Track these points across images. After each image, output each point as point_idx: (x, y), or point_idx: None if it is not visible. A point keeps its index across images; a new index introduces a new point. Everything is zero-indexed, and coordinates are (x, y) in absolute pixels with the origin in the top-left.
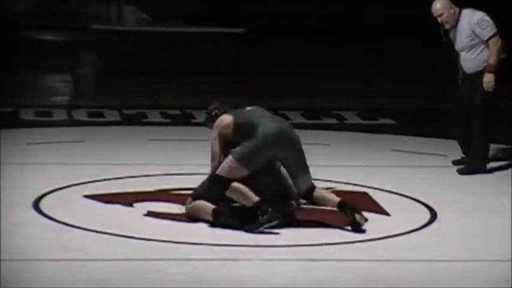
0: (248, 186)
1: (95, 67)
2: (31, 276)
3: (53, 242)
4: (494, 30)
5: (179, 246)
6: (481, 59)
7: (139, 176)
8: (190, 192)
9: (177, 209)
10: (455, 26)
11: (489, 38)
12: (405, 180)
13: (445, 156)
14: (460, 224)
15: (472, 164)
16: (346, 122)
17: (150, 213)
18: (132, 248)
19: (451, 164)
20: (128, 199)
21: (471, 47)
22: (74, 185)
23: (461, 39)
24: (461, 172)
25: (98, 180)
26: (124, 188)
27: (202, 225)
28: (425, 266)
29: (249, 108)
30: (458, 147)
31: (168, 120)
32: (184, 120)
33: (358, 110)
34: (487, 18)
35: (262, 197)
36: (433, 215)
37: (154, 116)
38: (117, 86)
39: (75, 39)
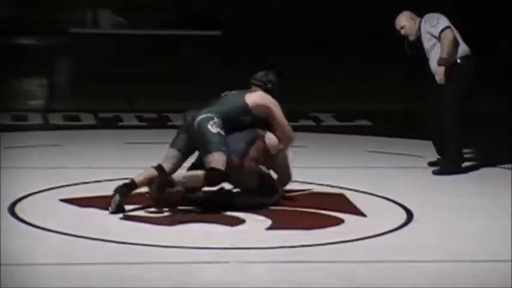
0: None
1: (71, 71)
2: (7, 281)
3: (29, 247)
4: (445, 24)
5: (157, 250)
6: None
7: (115, 180)
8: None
9: (154, 212)
10: (419, 35)
11: (440, 32)
12: (381, 181)
13: (421, 157)
14: (436, 225)
15: (446, 164)
16: (323, 124)
17: (126, 217)
18: (110, 252)
19: (426, 165)
20: (104, 203)
21: (431, 49)
22: (50, 189)
23: (424, 44)
24: (436, 173)
25: (74, 184)
26: (100, 191)
27: (179, 228)
28: (402, 267)
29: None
30: (433, 148)
31: (144, 124)
32: (160, 123)
33: (335, 112)
34: (437, 14)
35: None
36: (410, 216)
37: (130, 119)
38: (93, 89)
39: (50, 43)
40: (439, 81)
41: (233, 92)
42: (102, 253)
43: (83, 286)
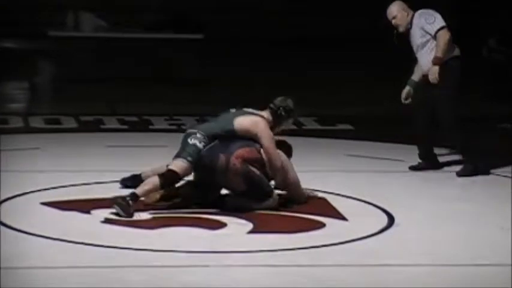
0: None
1: (52, 74)
2: None
3: (10, 250)
4: (442, 24)
5: (137, 253)
6: (434, 55)
7: (97, 183)
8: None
9: (135, 215)
10: (410, 28)
11: (437, 31)
12: (363, 185)
13: (402, 161)
14: (417, 228)
15: (470, 165)
16: (304, 127)
17: (108, 220)
18: (91, 255)
19: (407, 169)
20: (85, 206)
21: (423, 45)
22: (31, 192)
23: (415, 39)
24: (459, 174)
25: (55, 188)
26: (81, 195)
27: (160, 232)
28: (383, 270)
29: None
30: (417, 152)
31: (125, 127)
32: (141, 126)
33: (316, 116)
34: (434, 13)
35: None
36: (391, 220)
37: (111, 122)
38: (74, 92)
39: (31, 46)
40: (431, 80)
41: (234, 110)
42: (83, 256)
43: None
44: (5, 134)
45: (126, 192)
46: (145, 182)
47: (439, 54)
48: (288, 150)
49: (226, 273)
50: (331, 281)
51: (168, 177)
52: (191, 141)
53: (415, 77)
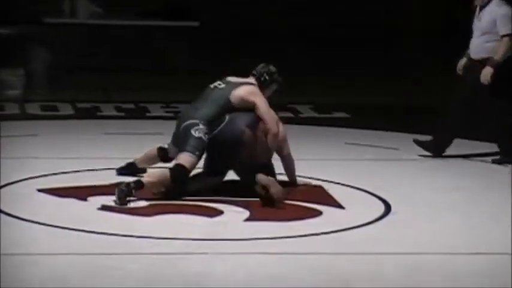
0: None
1: (48, 61)
2: None
3: (6, 237)
4: (510, 31)
5: (134, 240)
6: (487, 48)
7: (93, 170)
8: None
9: (132, 203)
10: (483, 6)
11: (504, 35)
12: (359, 173)
13: (398, 149)
14: (414, 217)
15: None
16: (301, 115)
17: (104, 207)
18: (87, 242)
19: (404, 157)
20: (82, 193)
21: (484, 33)
22: (28, 178)
23: (482, 22)
24: (495, 161)
25: (52, 174)
26: (78, 181)
27: (157, 219)
28: (379, 259)
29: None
30: (416, 141)
31: (122, 114)
32: (138, 113)
33: (312, 104)
34: (511, 15)
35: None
36: (387, 208)
37: (108, 109)
38: (70, 79)
39: (27, 32)
40: (483, 81)
41: (221, 85)
42: (80, 243)
43: (61, 276)
44: (1, 120)
45: (123, 180)
46: (154, 172)
47: (498, 58)
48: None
49: (223, 261)
50: (328, 269)
51: (179, 173)
52: (196, 134)
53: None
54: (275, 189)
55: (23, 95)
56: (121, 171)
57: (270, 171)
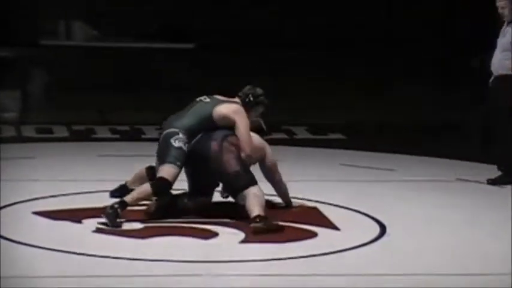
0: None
1: (44, 83)
2: None
3: (1, 259)
4: None
5: (129, 263)
6: (506, 65)
7: (88, 192)
8: (139, 208)
9: (126, 225)
10: (510, 22)
11: None
12: (355, 194)
13: (394, 170)
14: (409, 238)
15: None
16: (296, 137)
17: (99, 230)
18: (81, 264)
19: (400, 179)
20: (77, 215)
21: (505, 50)
22: (23, 201)
23: (505, 38)
24: (489, 183)
25: (47, 197)
26: (73, 204)
27: (152, 241)
28: (374, 280)
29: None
30: (408, 162)
31: (117, 136)
32: (133, 135)
33: (307, 126)
34: None
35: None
36: (383, 230)
37: (103, 131)
38: (66, 101)
39: (23, 54)
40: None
41: (207, 99)
42: (74, 266)
43: None
44: None
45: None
46: (136, 189)
47: None
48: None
49: (219, 283)
50: None
51: (160, 185)
52: (176, 143)
53: None
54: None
55: (19, 117)
56: (114, 194)
57: (242, 180)
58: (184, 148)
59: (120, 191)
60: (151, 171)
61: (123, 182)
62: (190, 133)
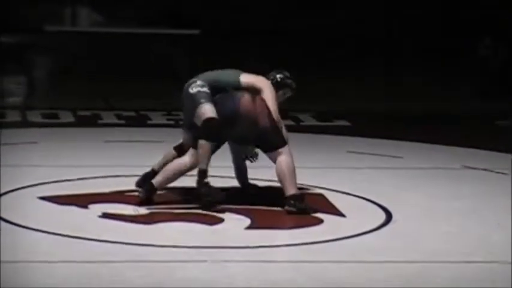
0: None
1: (49, 68)
2: None
3: (6, 244)
4: None
5: (135, 248)
6: None
7: (94, 178)
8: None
9: (132, 210)
10: None
11: None
12: (361, 181)
13: (401, 158)
14: (414, 225)
15: None
16: (302, 123)
17: (105, 215)
18: (87, 249)
19: (406, 166)
20: (82, 200)
21: None
22: (28, 186)
23: None
24: None
25: (53, 182)
26: (79, 189)
27: (158, 227)
28: (380, 267)
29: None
30: (415, 150)
31: (123, 122)
32: (139, 121)
33: (313, 112)
34: None
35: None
36: (388, 217)
37: (109, 117)
38: (71, 87)
39: (28, 40)
40: None
41: (236, 70)
42: (80, 251)
43: (61, 284)
44: (2, 128)
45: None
46: (194, 153)
47: None
48: None
49: (224, 269)
50: (329, 277)
51: (209, 125)
52: (193, 90)
53: None
54: None
55: (24, 102)
56: (140, 183)
57: (275, 136)
58: (205, 89)
59: (147, 178)
60: (180, 149)
61: (147, 170)
62: (210, 84)
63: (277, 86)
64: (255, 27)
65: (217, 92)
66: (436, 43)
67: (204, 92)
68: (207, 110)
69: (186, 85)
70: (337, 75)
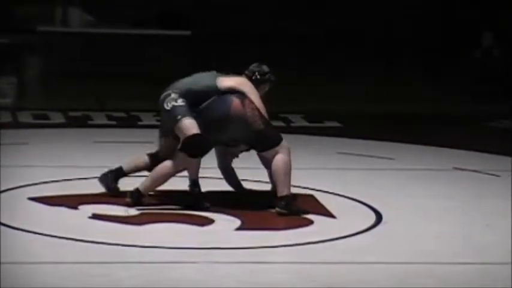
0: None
1: (40, 69)
2: None
3: None
4: None
5: (125, 249)
6: None
7: (84, 178)
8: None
9: (122, 211)
10: None
11: None
12: (351, 182)
13: (392, 159)
14: (405, 226)
15: None
16: (292, 125)
17: (95, 216)
18: (77, 250)
19: (397, 167)
20: (73, 201)
21: None
22: (19, 187)
23: None
24: None
25: (43, 183)
26: (69, 190)
27: (148, 228)
28: (370, 268)
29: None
30: (405, 151)
31: (113, 123)
32: (129, 122)
33: (303, 113)
34: None
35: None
36: (379, 218)
37: (99, 118)
38: (62, 88)
39: (19, 41)
40: None
41: (213, 72)
42: (70, 252)
43: (50, 285)
44: None
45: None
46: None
47: None
48: None
49: (214, 270)
50: (319, 278)
51: (195, 141)
52: (168, 106)
53: None
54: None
55: (15, 103)
56: (103, 178)
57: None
58: (180, 102)
59: (116, 175)
60: (155, 157)
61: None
62: (186, 93)
63: (257, 82)
64: (250, 28)
65: (196, 98)
66: (436, 43)
67: (179, 105)
68: (189, 126)
69: (161, 97)
70: (337, 75)
